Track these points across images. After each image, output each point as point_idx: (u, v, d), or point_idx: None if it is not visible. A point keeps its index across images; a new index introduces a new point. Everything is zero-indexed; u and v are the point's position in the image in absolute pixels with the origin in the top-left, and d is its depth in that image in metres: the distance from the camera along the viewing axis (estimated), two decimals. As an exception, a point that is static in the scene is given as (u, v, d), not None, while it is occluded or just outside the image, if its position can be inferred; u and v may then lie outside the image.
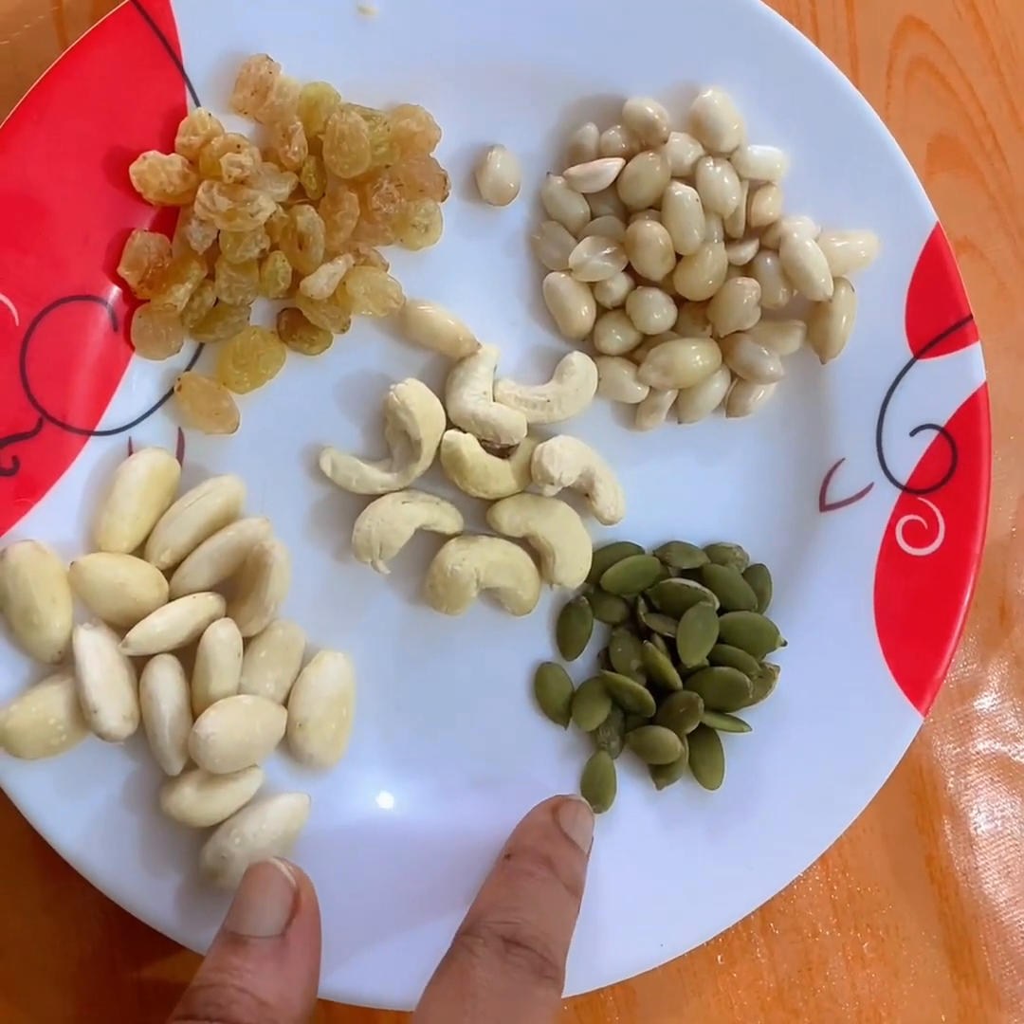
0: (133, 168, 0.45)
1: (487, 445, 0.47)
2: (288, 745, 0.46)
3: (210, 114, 0.45)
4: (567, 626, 0.48)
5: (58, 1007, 0.48)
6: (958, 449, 0.48)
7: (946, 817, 0.52)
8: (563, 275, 0.49)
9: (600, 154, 0.49)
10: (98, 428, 0.46)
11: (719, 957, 0.50)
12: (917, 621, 0.48)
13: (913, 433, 0.49)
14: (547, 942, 0.38)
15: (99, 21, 0.45)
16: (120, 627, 0.44)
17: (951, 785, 0.52)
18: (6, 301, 0.45)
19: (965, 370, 0.48)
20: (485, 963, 0.37)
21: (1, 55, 0.49)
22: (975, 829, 0.52)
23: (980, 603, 0.53)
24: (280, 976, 0.37)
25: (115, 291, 0.46)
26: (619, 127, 0.48)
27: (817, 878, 0.51)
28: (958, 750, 0.52)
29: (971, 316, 0.48)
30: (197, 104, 0.46)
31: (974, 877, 0.52)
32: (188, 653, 0.44)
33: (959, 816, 0.52)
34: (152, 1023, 0.48)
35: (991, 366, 0.48)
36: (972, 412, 0.48)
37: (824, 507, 0.49)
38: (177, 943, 0.45)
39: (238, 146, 0.45)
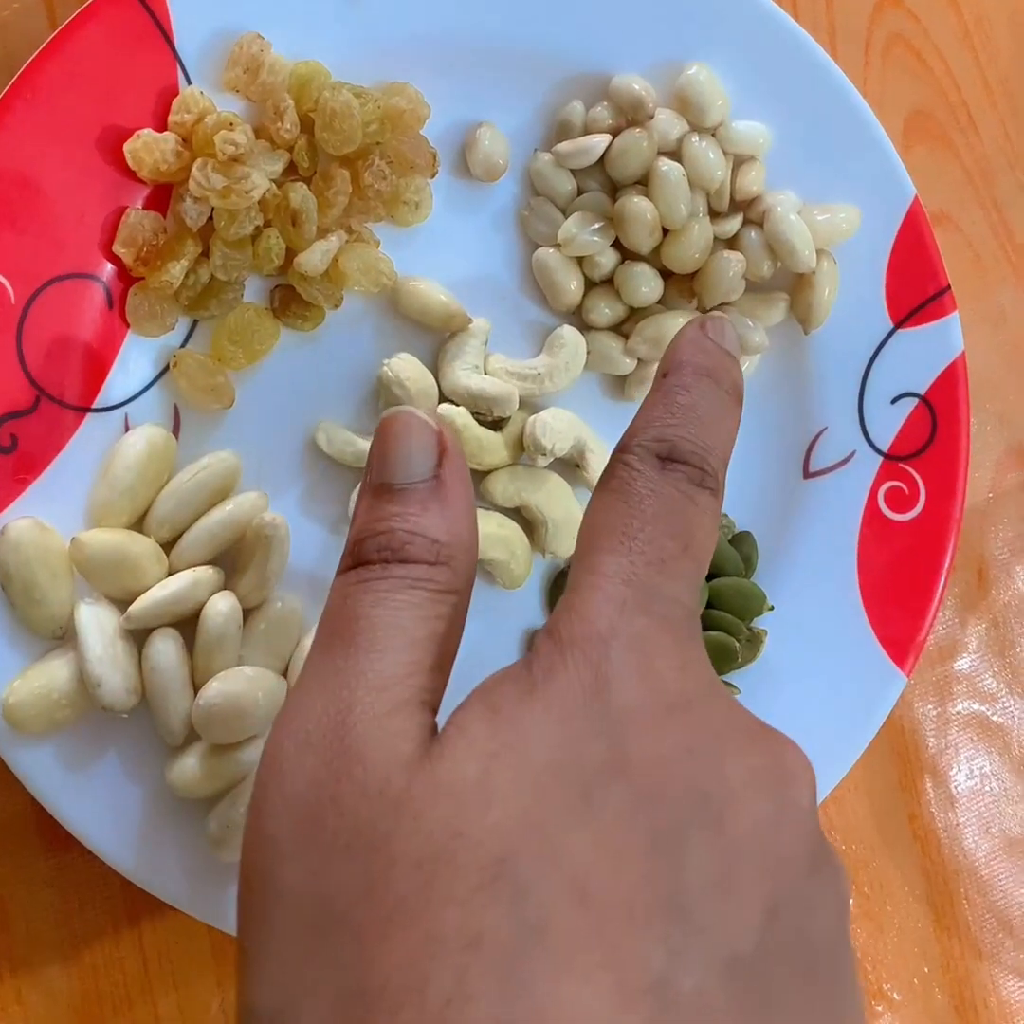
0: (127, 146, 0.45)
1: (480, 418, 0.48)
2: (289, 715, 0.46)
3: (202, 92, 0.46)
4: (559, 594, 0.49)
5: (62, 980, 0.48)
6: (937, 416, 0.50)
7: (928, 776, 0.53)
8: (552, 250, 0.49)
9: (587, 130, 0.49)
10: (95, 405, 0.46)
11: (710, 915, 0.52)
12: (900, 584, 0.49)
13: (894, 401, 0.50)
14: (704, 455, 0.34)
15: (89, 1, 0.45)
16: (121, 602, 0.45)
17: (932, 745, 0.54)
18: (2, 279, 0.45)
19: (944, 339, 0.50)
20: (644, 475, 0.34)
21: (-12, 34, 0.49)
22: (955, 787, 0.54)
23: (958, 566, 0.54)
24: (446, 515, 0.34)
25: (110, 269, 0.46)
26: (606, 104, 0.49)
27: (804, 837, 0.52)
28: (938, 710, 0.54)
29: (949, 286, 0.50)
30: (189, 82, 0.46)
31: (955, 833, 0.53)
32: (189, 626, 0.45)
33: (940, 775, 0.54)
34: (157, 995, 0.49)
35: (967, 336, 0.50)
36: (951, 380, 0.50)
37: (808, 475, 0.50)
38: (183, 914, 0.46)
39: (231, 124, 0.45)
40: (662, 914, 0.28)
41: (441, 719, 0.31)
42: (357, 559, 0.33)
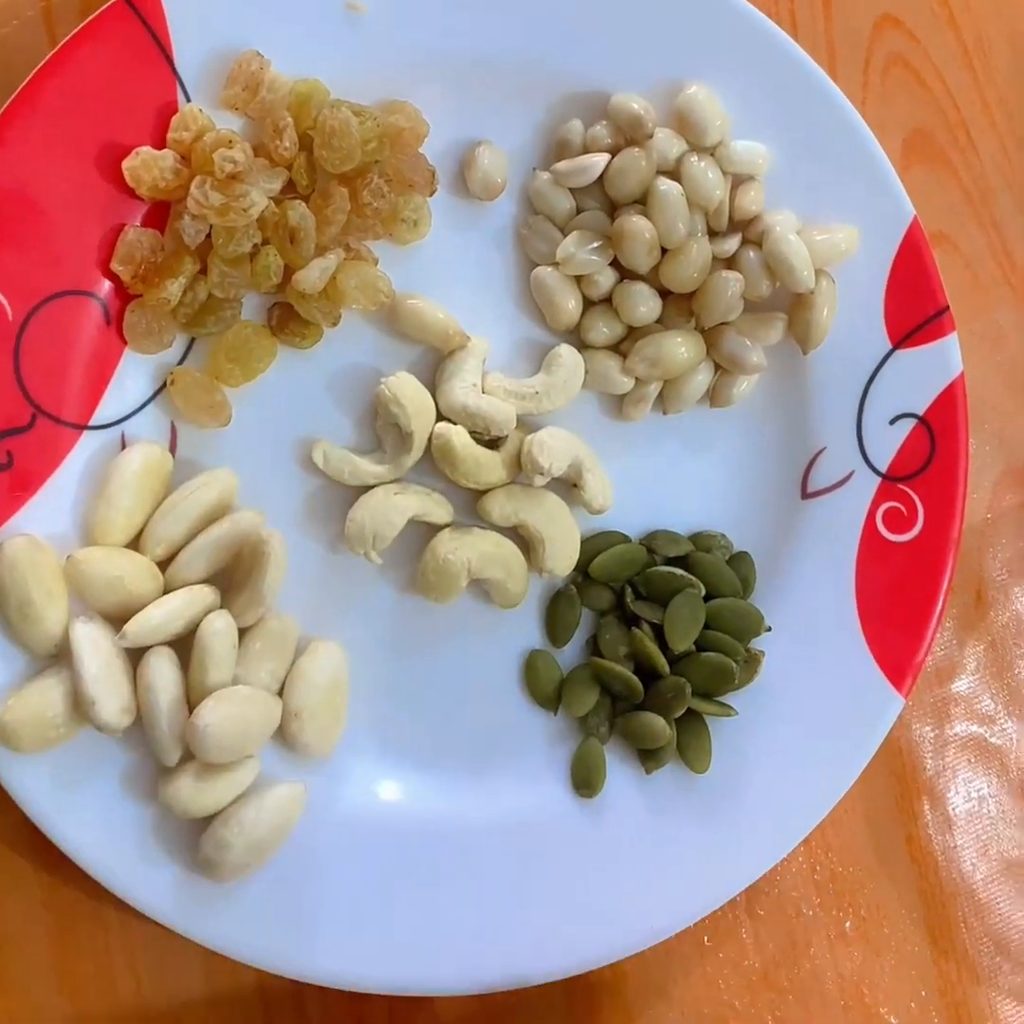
0: (126, 164, 0.45)
1: (477, 436, 0.48)
2: (283, 735, 0.46)
3: (201, 110, 0.46)
4: (556, 614, 0.49)
5: (55, 1001, 0.48)
6: (936, 437, 0.50)
7: (925, 798, 0.53)
8: (550, 269, 0.49)
9: (586, 149, 0.49)
10: (91, 422, 0.46)
11: (706, 938, 0.51)
12: (898, 605, 0.49)
13: (892, 421, 0.50)
14: None
15: (89, 17, 0.45)
16: (116, 620, 0.45)
17: (930, 766, 0.53)
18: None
19: (942, 360, 0.50)
20: None
21: (-12, 50, 0.49)
22: (953, 809, 0.53)
23: (956, 588, 0.54)
24: None
25: (108, 286, 0.46)
26: (605, 123, 0.49)
27: (800, 859, 0.52)
28: (936, 732, 0.54)
29: (948, 307, 0.50)
30: (188, 100, 0.46)
31: (952, 856, 0.53)
32: (184, 645, 0.45)
33: (938, 797, 0.53)
34: (149, 1015, 0.48)
35: (965, 356, 0.50)
36: (949, 401, 0.49)
37: (806, 495, 0.50)
38: (176, 933, 0.45)
39: (230, 141, 0.45)
40: None
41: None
42: None
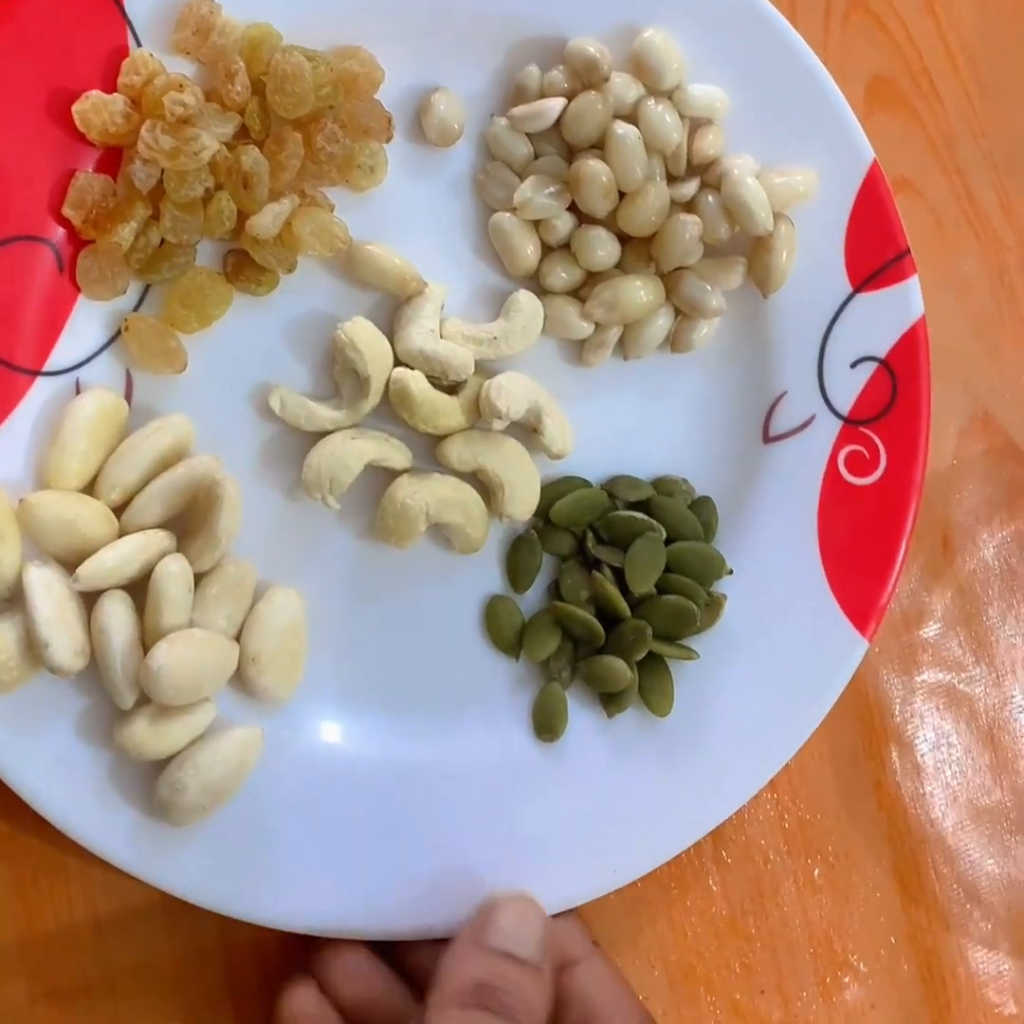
0: (75, 108, 0.45)
1: (435, 382, 0.48)
2: (241, 680, 0.46)
3: (152, 54, 0.46)
4: (517, 559, 0.49)
5: (17, 950, 0.48)
6: (898, 380, 0.49)
7: (893, 745, 0.53)
8: (508, 214, 0.49)
9: (543, 94, 0.49)
10: (45, 368, 0.46)
11: (672, 886, 0.51)
12: (861, 549, 0.49)
13: (853, 365, 0.50)
14: None
15: (39, -38, 0.45)
16: (70, 564, 0.44)
17: (898, 713, 0.53)
18: (-50, 242, 0.45)
19: (903, 303, 0.49)
20: None
21: (-58, 2, 0.49)
22: (922, 757, 0.53)
23: (923, 534, 0.54)
24: (545, 995, 0.43)
25: (60, 232, 0.46)
26: (561, 67, 0.49)
27: (768, 806, 0.52)
28: (904, 679, 0.53)
29: (909, 250, 0.49)
30: (139, 44, 0.46)
31: (922, 803, 0.53)
32: (140, 591, 0.45)
33: (906, 744, 0.53)
34: (111, 960, 0.48)
35: (929, 303, 0.49)
36: (911, 343, 0.49)
37: (768, 439, 0.50)
38: (138, 883, 0.45)
39: (180, 85, 0.45)
40: None
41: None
42: (480, 1001, 0.41)
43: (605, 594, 0.48)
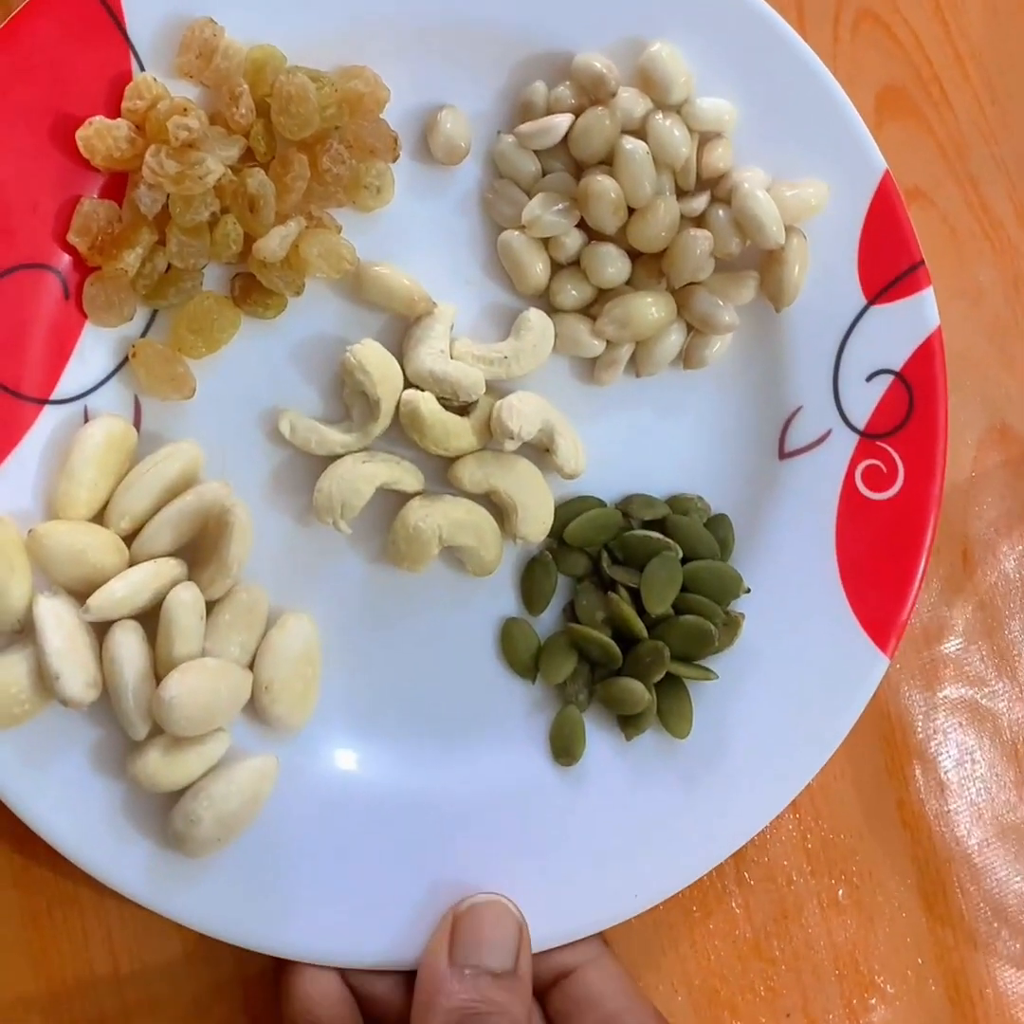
0: (79, 134, 0.45)
1: (446, 403, 0.47)
2: (255, 708, 0.46)
3: (155, 78, 0.45)
4: (532, 581, 0.48)
5: (31, 982, 0.47)
6: (914, 393, 0.49)
7: (916, 762, 0.52)
8: (517, 232, 0.49)
9: (550, 110, 0.49)
10: (53, 397, 0.46)
11: (695, 908, 0.50)
12: (880, 564, 0.48)
13: (869, 378, 0.49)
14: None
15: (40, -12, 0.45)
16: (81, 594, 0.44)
17: (920, 730, 0.52)
18: (-45, 271, 0.45)
19: (919, 314, 0.49)
20: None
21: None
22: (945, 773, 0.52)
23: (942, 548, 0.53)
24: (526, 1002, 0.43)
25: (66, 259, 0.46)
26: (568, 83, 0.48)
27: (790, 827, 0.51)
28: (926, 695, 0.53)
29: (923, 261, 0.49)
30: (142, 69, 0.46)
31: (946, 821, 0.52)
32: (151, 620, 0.44)
33: (929, 761, 0.52)
34: (127, 995, 0.48)
35: (944, 313, 0.49)
36: (927, 356, 0.49)
37: (784, 455, 0.49)
38: (153, 913, 0.45)
39: (185, 109, 0.45)
40: None
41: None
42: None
43: (621, 615, 0.47)
